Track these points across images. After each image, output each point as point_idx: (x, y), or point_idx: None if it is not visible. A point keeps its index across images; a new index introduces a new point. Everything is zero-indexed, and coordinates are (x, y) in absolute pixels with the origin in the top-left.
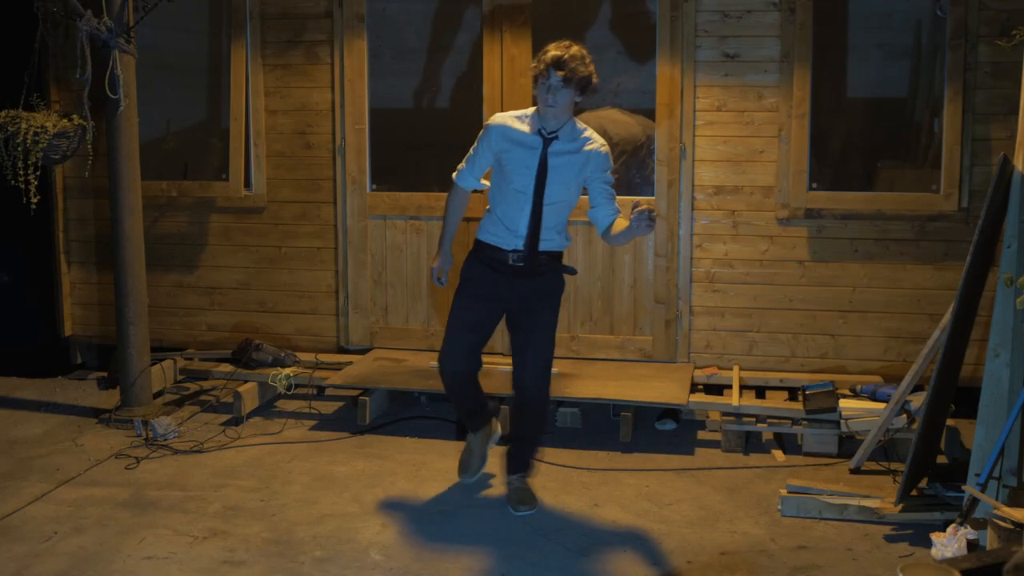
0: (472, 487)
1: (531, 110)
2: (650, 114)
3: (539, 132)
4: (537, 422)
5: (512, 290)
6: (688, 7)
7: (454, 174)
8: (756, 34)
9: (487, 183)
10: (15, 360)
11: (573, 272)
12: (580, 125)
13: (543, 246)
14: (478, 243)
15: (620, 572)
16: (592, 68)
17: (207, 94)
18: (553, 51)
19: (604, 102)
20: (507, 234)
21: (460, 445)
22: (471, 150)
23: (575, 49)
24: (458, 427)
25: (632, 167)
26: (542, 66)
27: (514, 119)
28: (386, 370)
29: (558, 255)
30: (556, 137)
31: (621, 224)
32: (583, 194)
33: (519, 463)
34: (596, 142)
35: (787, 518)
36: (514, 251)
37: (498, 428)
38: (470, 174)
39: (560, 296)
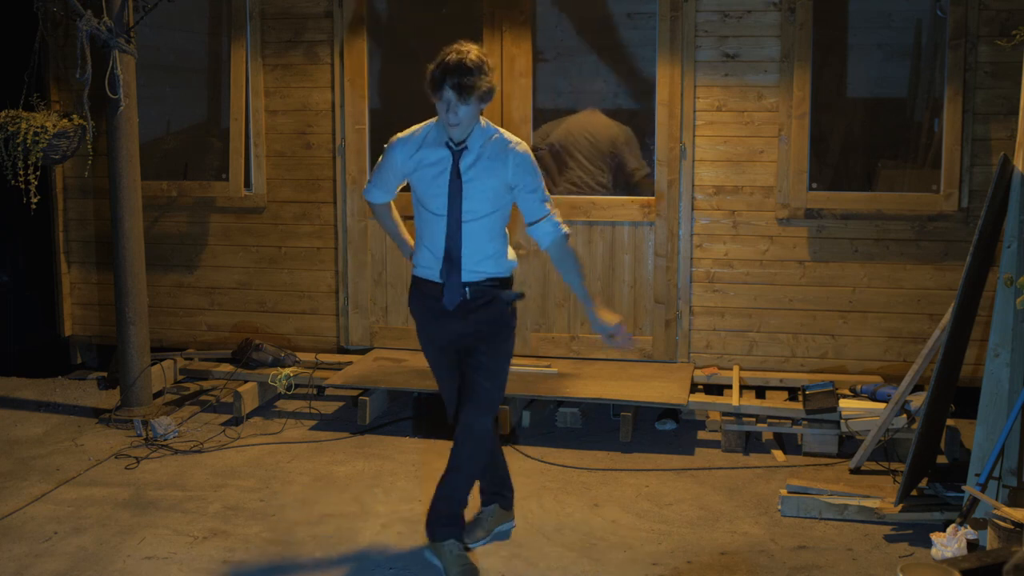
0: None
1: (433, 121)
2: (649, 115)
3: (447, 144)
4: (472, 457)
5: (454, 328)
6: (688, 7)
7: (364, 191)
8: (756, 34)
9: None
10: (15, 360)
11: (518, 297)
12: (488, 125)
13: (479, 275)
14: (414, 279)
15: (620, 572)
16: (491, 75)
17: (207, 94)
18: (446, 62)
19: (604, 103)
20: (436, 263)
21: None
22: (375, 167)
23: (472, 56)
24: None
25: (615, 169)
26: (435, 82)
27: (416, 137)
28: (386, 370)
29: (502, 282)
30: (466, 147)
31: (578, 288)
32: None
33: (447, 515)
34: (512, 141)
35: (787, 518)
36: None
37: (512, 518)
38: (378, 189)
39: (510, 329)
